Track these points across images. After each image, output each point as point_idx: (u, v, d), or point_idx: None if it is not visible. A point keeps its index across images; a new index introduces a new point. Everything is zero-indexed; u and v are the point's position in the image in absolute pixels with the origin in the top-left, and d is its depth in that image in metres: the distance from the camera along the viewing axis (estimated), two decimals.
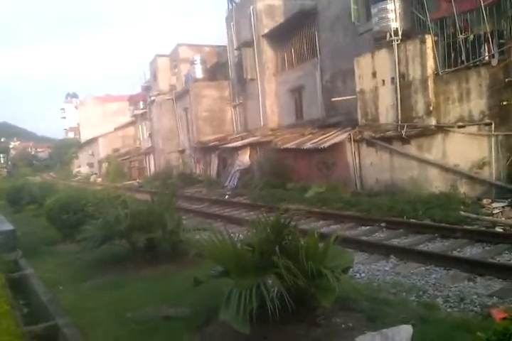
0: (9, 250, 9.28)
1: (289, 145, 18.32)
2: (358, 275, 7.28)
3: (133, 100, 52.14)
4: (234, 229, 10.84)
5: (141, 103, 46.10)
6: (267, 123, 24.40)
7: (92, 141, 61.28)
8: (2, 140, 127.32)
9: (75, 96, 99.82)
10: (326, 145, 15.76)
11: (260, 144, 21.83)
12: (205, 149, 28.65)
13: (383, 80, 14.38)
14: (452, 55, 12.79)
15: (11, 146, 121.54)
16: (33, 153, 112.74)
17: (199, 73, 31.32)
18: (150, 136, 41.64)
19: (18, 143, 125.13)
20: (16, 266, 8.55)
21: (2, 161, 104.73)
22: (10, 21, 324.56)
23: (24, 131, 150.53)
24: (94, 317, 5.75)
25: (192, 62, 31.74)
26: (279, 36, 23.36)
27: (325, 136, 17.11)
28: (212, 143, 27.28)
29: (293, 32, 22.46)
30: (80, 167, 70.60)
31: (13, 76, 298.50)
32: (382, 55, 14.29)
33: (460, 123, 12.41)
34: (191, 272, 6.58)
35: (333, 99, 18.12)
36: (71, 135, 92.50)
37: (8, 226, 10.40)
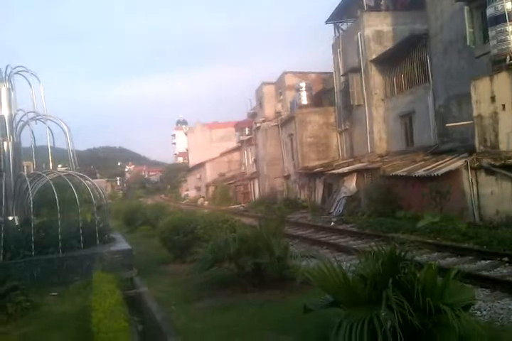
0: (126, 268, 9.79)
1: (398, 172, 17.65)
2: (478, 313, 6.70)
3: (239, 126, 53.93)
4: (341, 258, 10.56)
5: (247, 129, 47.51)
6: (374, 149, 23.86)
7: (200, 165, 64.03)
8: (119, 164, 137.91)
9: (184, 123, 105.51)
10: (440, 172, 14.95)
11: (367, 170, 21.31)
12: (309, 175, 28.61)
13: (503, 105, 13.50)
14: None
15: (126, 170, 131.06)
16: (145, 176, 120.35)
17: (304, 100, 31.64)
18: (255, 161, 42.58)
19: (132, 166, 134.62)
20: (132, 284, 9.01)
21: (118, 183, 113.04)
22: (129, 55, 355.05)
23: (138, 156, 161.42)
24: (203, 339, 5.83)
25: (297, 89, 32.20)
26: (388, 61, 22.98)
27: (438, 162, 16.27)
28: (317, 169, 27.17)
29: (402, 56, 21.97)
30: (188, 190, 73.89)
31: (128, 104, 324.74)
32: (502, 78, 13.47)
33: None
34: (298, 299, 6.49)
35: (448, 125, 17.27)
36: (180, 160, 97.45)
37: (125, 246, 11.03)
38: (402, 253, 4.78)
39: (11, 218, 11.16)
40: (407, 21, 23.46)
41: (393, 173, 18.05)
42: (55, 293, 8.70)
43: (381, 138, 23.86)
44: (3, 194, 11.10)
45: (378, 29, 24.20)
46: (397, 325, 4.04)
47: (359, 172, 22.09)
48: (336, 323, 4.33)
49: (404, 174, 17.23)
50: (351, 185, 22.33)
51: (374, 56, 23.66)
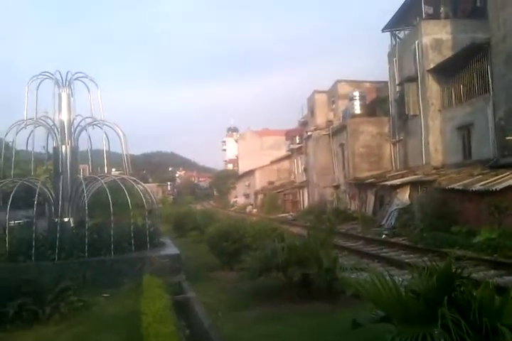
0: (174, 273, 9.88)
1: (455, 186, 17.05)
2: None
3: (289, 135, 53.94)
4: (393, 272, 10.21)
5: (298, 138, 47.40)
6: (429, 161, 23.17)
7: (249, 173, 64.41)
8: (170, 169, 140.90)
9: (235, 130, 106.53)
10: (499, 187, 14.33)
11: (422, 183, 20.73)
12: (361, 186, 28.13)
13: None
14: None
15: (177, 175, 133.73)
16: (195, 182, 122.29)
17: (357, 109, 31.21)
18: (305, 170, 42.36)
19: (183, 172, 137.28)
20: (180, 289, 9.07)
21: (169, 188, 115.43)
22: (182, 62, 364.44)
23: (188, 161, 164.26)
24: None
25: (351, 98, 31.83)
26: (446, 71, 22.32)
27: (498, 177, 15.62)
28: (368, 180, 26.68)
29: (462, 66, 21.28)
30: (236, 197, 74.43)
31: (180, 110, 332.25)
32: None
33: None
34: (347, 313, 6.31)
35: (508, 138, 16.55)
36: (230, 166, 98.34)
37: (174, 250, 11.16)
38: (458, 270, 4.61)
39: (66, 219, 11.52)
40: (468, 30, 22.77)
41: (449, 187, 17.49)
42: (106, 295, 8.89)
43: (437, 150, 23.17)
44: (60, 196, 11.50)
45: (437, 37, 23.65)
46: None
47: (413, 184, 21.53)
48: (388, 340, 4.23)
49: (460, 188, 16.63)
50: (404, 197, 21.78)
51: (432, 65, 23.09)
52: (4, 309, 6.99)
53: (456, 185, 17.04)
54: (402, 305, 4.55)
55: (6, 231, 10.36)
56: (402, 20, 27.49)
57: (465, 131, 21.41)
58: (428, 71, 23.29)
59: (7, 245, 10.07)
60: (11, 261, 9.76)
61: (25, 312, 7.09)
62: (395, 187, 22.46)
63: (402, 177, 22.86)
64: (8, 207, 10.64)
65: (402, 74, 26.27)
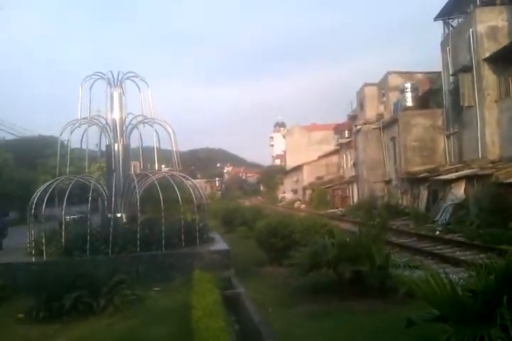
0: (224, 268, 9.95)
1: None
2: None
3: (338, 129, 53.27)
4: (447, 270, 9.84)
5: (346, 132, 46.74)
6: (485, 154, 22.29)
7: (297, 168, 64.13)
8: (218, 165, 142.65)
9: (282, 125, 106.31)
10: None
11: (478, 177, 19.97)
12: (413, 180, 27.40)
13: None
14: None
15: (224, 171, 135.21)
16: (243, 177, 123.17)
17: (409, 101, 30.40)
18: (354, 164, 41.73)
19: (231, 168, 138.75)
20: (229, 284, 9.12)
21: (217, 184, 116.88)
22: (230, 57, 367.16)
23: (236, 157, 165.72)
24: None
25: (402, 90, 31.05)
26: (503, 59, 21.38)
27: None
28: (421, 175, 25.96)
29: None
30: (284, 192, 74.38)
31: (228, 106, 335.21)
32: None
33: None
34: (400, 311, 6.17)
35: None
36: (277, 162, 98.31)
37: (224, 246, 11.23)
38: None
39: (119, 215, 11.82)
40: None
41: (507, 181, 16.76)
42: (158, 289, 9.06)
43: (493, 143, 22.25)
44: (113, 192, 11.81)
45: (492, 25, 22.70)
46: None
47: (468, 178, 20.78)
48: (443, 340, 4.16)
49: None
50: (459, 192, 21.05)
51: (487, 54, 22.19)
52: (61, 301, 7.23)
53: None
54: (458, 305, 4.42)
55: (62, 227, 10.74)
56: (455, 8, 26.50)
57: None
58: (483, 60, 22.40)
59: (63, 240, 10.44)
60: (67, 255, 10.10)
61: (81, 304, 7.32)
62: (450, 182, 21.75)
63: (457, 172, 22.09)
64: (64, 203, 11.03)
65: (456, 64, 25.38)
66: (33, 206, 11.36)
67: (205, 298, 6.54)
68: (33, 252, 10.87)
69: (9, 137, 43.68)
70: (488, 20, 22.74)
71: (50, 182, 11.97)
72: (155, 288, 9.04)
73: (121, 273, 8.44)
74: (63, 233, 10.56)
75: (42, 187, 11.71)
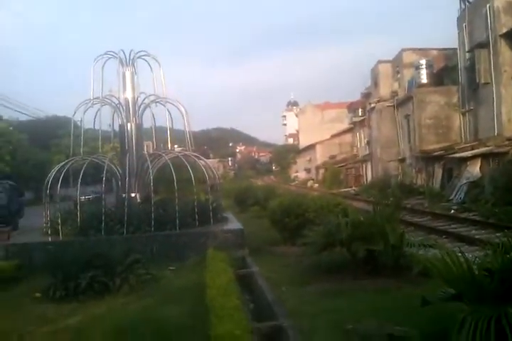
0: (238, 247, 10.00)
1: None
2: None
3: (352, 107, 52.67)
4: (462, 248, 9.77)
5: (360, 110, 46.20)
6: (501, 132, 21.92)
7: (310, 147, 63.80)
8: (230, 144, 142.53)
9: (295, 104, 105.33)
10: None
11: (494, 155, 19.70)
12: (427, 159, 27.12)
13: None
14: None
15: (237, 150, 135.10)
16: (255, 157, 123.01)
17: (424, 78, 29.85)
18: (368, 143, 41.37)
19: (243, 147, 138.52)
20: (243, 263, 9.17)
21: (230, 164, 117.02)
22: (242, 36, 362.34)
23: (248, 137, 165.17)
24: (314, 323, 5.74)
25: (417, 67, 30.45)
26: None
27: None
28: (436, 153, 25.66)
29: None
30: (297, 172, 74.24)
31: (240, 85, 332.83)
32: None
33: None
34: (414, 290, 6.14)
35: None
36: (290, 141, 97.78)
37: (237, 225, 11.27)
38: None
39: (133, 195, 11.89)
40: None
41: None
42: (173, 268, 9.14)
43: (510, 120, 21.95)
44: (127, 172, 11.84)
45: (510, 0, 21.96)
46: None
47: (484, 156, 20.50)
48: (459, 319, 4.08)
49: None
50: (475, 170, 20.80)
51: (504, 30, 21.71)
52: (77, 281, 7.33)
53: None
54: (474, 284, 4.36)
55: (78, 207, 10.83)
56: None
57: None
58: (500, 36, 21.89)
59: (78, 220, 10.54)
60: (83, 235, 10.22)
61: (97, 283, 7.41)
62: (465, 160, 21.49)
63: (473, 150, 21.80)
64: (79, 183, 11.11)
65: (472, 40, 24.78)
66: (48, 186, 11.46)
67: (219, 277, 6.58)
68: (49, 232, 11.02)
69: (23, 118, 43.99)
70: None
71: (64, 162, 12.06)
72: (170, 268, 9.11)
73: (136, 252, 8.52)
74: (78, 213, 10.67)
75: (56, 168, 11.80)
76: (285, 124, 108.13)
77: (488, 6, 22.65)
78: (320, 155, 58.96)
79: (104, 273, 7.58)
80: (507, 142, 20.62)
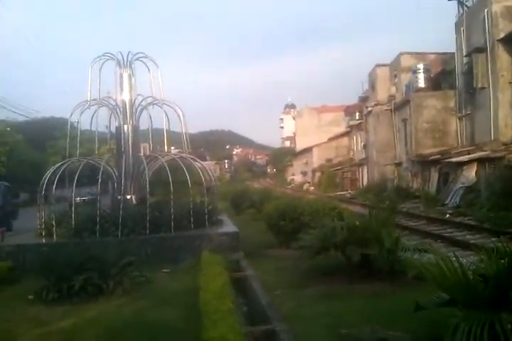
0: (233, 250, 9.97)
1: None
2: None
3: (349, 111, 52.77)
4: (457, 253, 9.78)
5: (357, 114, 46.26)
6: (498, 136, 21.96)
7: (307, 150, 63.78)
8: (227, 147, 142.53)
9: (293, 106, 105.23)
10: None
11: (490, 160, 19.73)
12: (424, 163, 27.17)
13: None
14: None
15: (234, 153, 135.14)
16: (252, 159, 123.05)
17: (421, 82, 29.89)
18: (364, 147, 41.44)
19: (240, 150, 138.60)
20: (238, 266, 9.14)
21: (226, 166, 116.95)
22: (239, 38, 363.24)
23: (245, 139, 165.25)
24: (308, 326, 5.74)
25: (414, 71, 30.51)
26: None
27: None
28: (432, 157, 25.70)
29: None
30: (293, 175, 74.18)
31: (237, 88, 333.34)
32: None
33: None
34: (408, 295, 6.14)
35: None
36: (287, 144, 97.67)
37: (233, 228, 11.24)
38: None
39: (128, 197, 11.86)
40: None
41: None
42: (167, 270, 9.10)
43: (507, 125, 21.93)
44: (123, 174, 11.81)
45: (508, 5, 22.23)
46: None
47: (480, 161, 20.54)
48: (453, 324, 4.06)
49: None
50: (471, 174, 20.84)
51: (502, 35, 21.72)
52: (71, 283, 7.28)
53: None
54: (468, 289, 4.36)
55: (72, 209, 10.78)
56: None
57: None
58: (498, 41, 21.91)
59: (73, 222, 10.49)
60: (77, 237, 10.16)
61: (90, 286, 7.37)
62: (461, 165, 21.53)
63: (469, 154, 21.83)
64: (74, 185, 11.06)
65: (470, 44, 24.85)
66: (44, 187, 11.42)
67: (213, 280, 6.55)
68: (43, 233, 10.97)
69: (19, 119, 43.89)
70: (503, 0, 22.17)
71: (60, 163, 12.02)
72: (164, 270, 9.09)
73: (131, 255, 8.46)
74: (73, 215, 10.61)
75: (52, 169, 11.77)
76: (282, 127, 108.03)
77: (486, 10, 22.73)
78: (316, 159, 58.94)
79: (98, 275, 7.54)
80: (503, 147, 20.66)
